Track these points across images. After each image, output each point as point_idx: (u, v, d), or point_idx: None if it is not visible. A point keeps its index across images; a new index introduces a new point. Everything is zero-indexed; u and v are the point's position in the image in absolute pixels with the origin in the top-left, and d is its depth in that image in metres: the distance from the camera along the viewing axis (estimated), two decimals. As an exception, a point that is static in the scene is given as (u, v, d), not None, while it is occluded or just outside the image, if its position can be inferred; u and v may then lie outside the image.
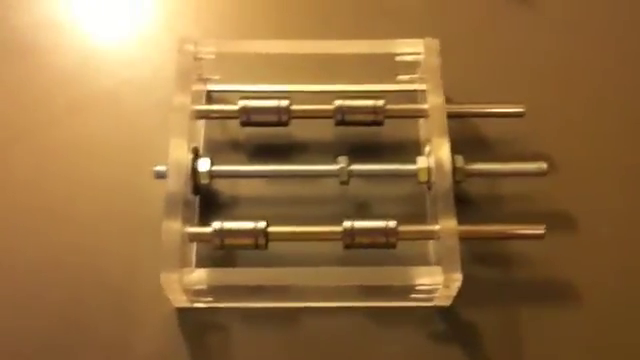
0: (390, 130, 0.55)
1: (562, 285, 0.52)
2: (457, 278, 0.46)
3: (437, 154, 0.50)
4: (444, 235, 0.47)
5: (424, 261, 0.52)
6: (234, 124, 0.55)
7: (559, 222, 0.53)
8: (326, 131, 0.56)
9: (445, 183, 0.49)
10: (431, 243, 0.52)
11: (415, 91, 0.57)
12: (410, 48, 0.53)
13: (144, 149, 0.55)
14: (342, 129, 0.55)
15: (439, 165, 0.49)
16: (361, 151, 0.55)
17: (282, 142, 0.56)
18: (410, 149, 0.55)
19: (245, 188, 0.55)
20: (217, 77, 0.55)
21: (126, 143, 0.56)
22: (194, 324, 0.50)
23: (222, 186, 0.54)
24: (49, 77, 0.59)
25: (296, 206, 0.55)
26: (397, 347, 0.50)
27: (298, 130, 0.56)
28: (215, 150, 0.55)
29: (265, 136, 0.56)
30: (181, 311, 0.50)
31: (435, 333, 0.51)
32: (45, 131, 0.57)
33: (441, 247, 0.47)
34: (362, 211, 0.54)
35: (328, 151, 0.55)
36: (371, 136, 0.56)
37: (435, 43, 0.53)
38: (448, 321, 0.51)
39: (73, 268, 0.52)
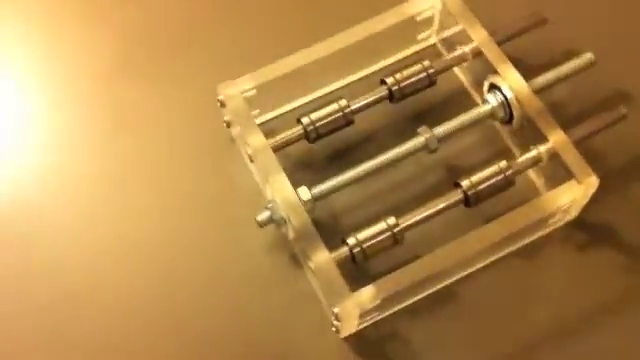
0: (431, 92, 0.55)
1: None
2: (594, 182, 0.47)
3: (510, 82, 0.50)
4: (560, 148, 0.48)
5: (534, 192, 0.52)
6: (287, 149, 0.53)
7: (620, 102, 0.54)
8: (374, 121, 0.55)
9: (534, 104, 0.49)
10: (532, 173, 0.52)
11: (434, 46, 0.57)
12: (426, 3, 0.53)
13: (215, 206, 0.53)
14: (385, 113, 0.54)
15: (519, 91, 0.50)
16: (417, 121, 0.54)
17: (338, 149, 0.55)
18: (460, 101, 0.56)
19: (334, 202, 0.53)
20: (257, 111, 0.53)
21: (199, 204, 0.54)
22: (369, 344, 0.49)
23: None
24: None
25: (388, 197, 0.53)
26: (551, 273, 0.51)
27: (347, 131, 0.54)
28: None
29: (320, 150, 0.54)
30: (349, 340, 0.49)
31: (577, 245, 0.52)
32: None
33: (565, 159, 0.48)
34: (451, 173, 0.54)
35: (384, 139, 0.54)
36: (417, 106, 0.55)
37: (449, -12, 0.53)
38: (583, 230, 0.52)
39: (219, 336, 0.50)
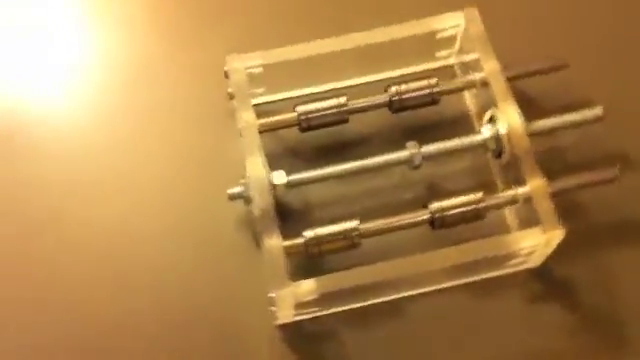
0: (438, 109, 0.55)
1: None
2: (559, 234, 0.47)
3: (508, 118, 0.50)
4: (535, 194, 0.48)
5: (505, 229, 0.52)
6: (284, 133, 0.54)
7: (621, 164, 0.54)
8: (375, 123, 0.56)
9: (523, 145, 0.49)
10: (507, 211, 0.52)
11: (452, 67, 0.57)
12: (450, 22, 0.54)
13: (204, 172, 0.55)
14: (390, 118, 0.55)
15: (512, 128, 0.50)
16: (415, 136, 0.54)
17: (335, 142, 0.56)
18: (462, 124, 0.56)
19: (312, 193, 0.54)
20: (262, 90, 0.55)
21: (182, 170, 0.56)
22: (301, 337, 0.50)
23: (290, 197, 0.53)
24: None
25: (364, 202, 0.54)
26: (500, 315, 0.51)
27: (348, 127, 0.55)
28: (272, 163, 0.54)
29: (317, 139, 0.55)
30: (284, 327, 0.50)
31: (532, 294, 0.51)
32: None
33: (536, 207, 0.48)
34: (431, 193, 0.54)
35: (382, 142, 0.55)
36: (421, 120, 0.56)
37: (474, 12, 0.53)
38: (543, 280, 0.52)
39: (163, 294, 0.51)
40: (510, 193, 0.50)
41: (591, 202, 0.54)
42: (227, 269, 0.52)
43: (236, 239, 0.53)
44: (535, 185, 0.48)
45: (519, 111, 0.50)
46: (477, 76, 0.53)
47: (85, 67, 0.60)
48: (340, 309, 0.50)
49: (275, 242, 0.46)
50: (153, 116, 0.57)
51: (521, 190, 0.49)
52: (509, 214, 0.53)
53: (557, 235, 0.47)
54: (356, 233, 0.48)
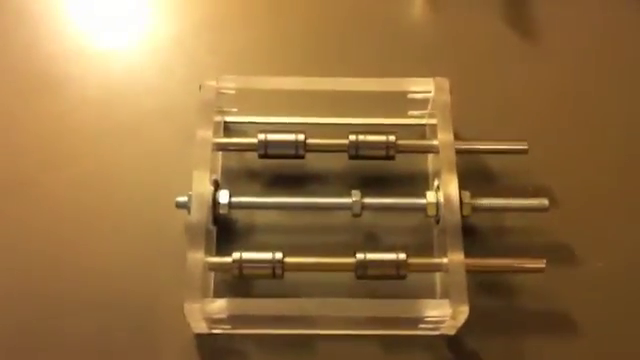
0: (401, 163, 0.57)
1: (561, 316, 0.54)
2: (464, 310, 0.49)
3: (446, 190, 0.52)
4: (452, 268, 0.50)
5: (431, 291, 0.54)
6: (250, 155, 0.57)
7: (559, 255, 0.56)
8: (339, 163, 0.58)
9: (453, 218, 0.51)
10: (438, 274, 0.54)
11: (424, 126, 0.60)
12: (421, 87, 0.56)
13: (164, 178, 0.58)
14: (354, 161, 0.57)
15: (448, 200, 0.52)
16: (372, 183, 0.57)
17: (297, 173, 0.58)
18: (419, 182, 0.58)
19: (260, 218, 0.57)
20: (235, 109, 0.58)
21: (147, 171, 0.59)
22: (212, 349, 0.53)
23: (239, 215, 0.56)
24: (73, 107, 0.61)
25: (309, 236, 0.57)
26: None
27: (312, 162, 0.58)
28: (232, 180, 0.57)
29: (280, 167, 0.58)
30: (199, 337, 0.53)
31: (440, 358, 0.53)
32: (70, 161, 0.59)
33: (449, 280, 0.50)
34: (372, 242, 0.56)
35: (340, 182, 0.58)
36: (382, 169, 0.58)
37: (445, 82, 0.55)
38: (453, 349, 0.53)
39: (96, 293, 0.54)
40: (435, 261, 0.52)
41: (522, 286, 0.55)
42: (163, 270, 0.55)
43: (177, 245, 0.55)
44: (454, 259, 0.50)
45: (457, 185, 0.52)
46: (435, 142, 0.55)
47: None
48: (253, 332, 0.53)
49: (197, 256, 0.49)
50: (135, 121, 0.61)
51: (445, 260, 0.51)
52: (439, 280, 0.54)
53: (462, 311, 0.49)
54: (279, 265, 0.51)
